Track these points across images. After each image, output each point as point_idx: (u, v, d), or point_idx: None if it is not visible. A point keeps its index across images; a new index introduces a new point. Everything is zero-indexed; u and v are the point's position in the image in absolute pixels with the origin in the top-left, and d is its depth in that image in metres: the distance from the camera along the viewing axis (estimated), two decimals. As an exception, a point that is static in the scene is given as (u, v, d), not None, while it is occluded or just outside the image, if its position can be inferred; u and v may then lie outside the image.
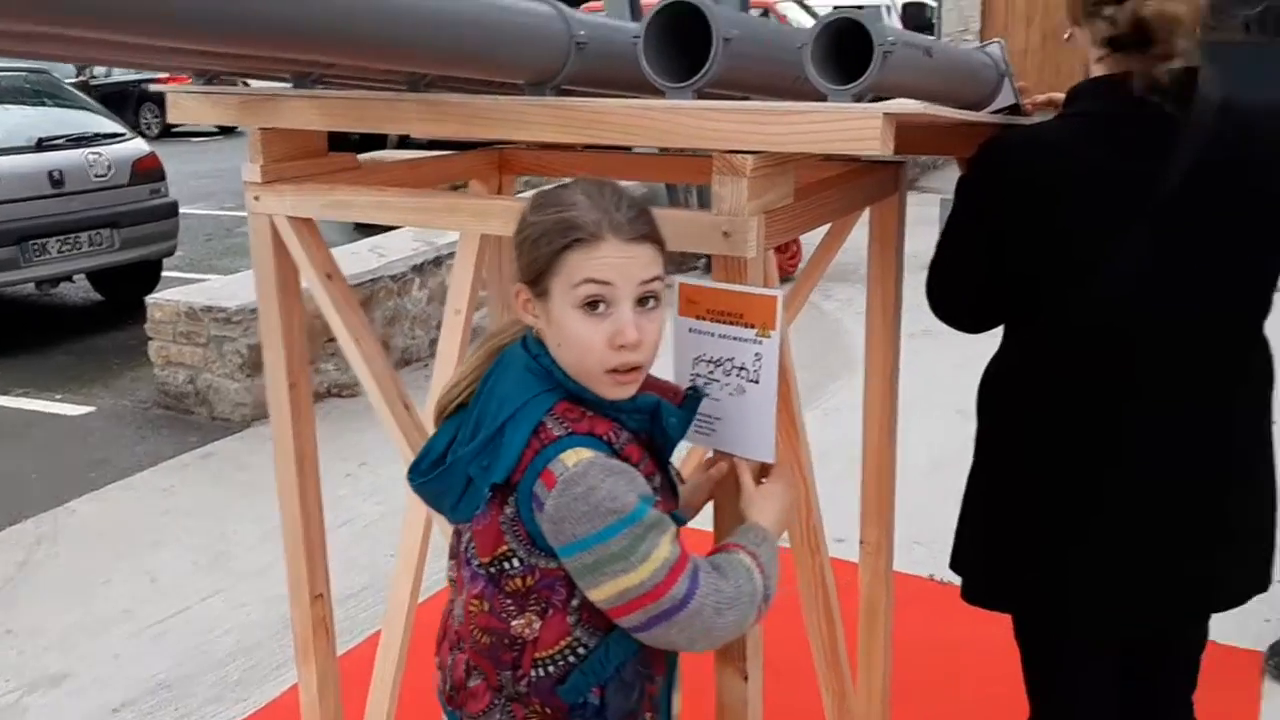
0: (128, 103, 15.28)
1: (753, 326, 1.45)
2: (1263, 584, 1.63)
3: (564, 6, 1.58)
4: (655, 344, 1.25)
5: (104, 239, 6.34)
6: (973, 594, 1.70)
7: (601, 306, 1.21)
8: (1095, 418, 1.52)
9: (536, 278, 1.23)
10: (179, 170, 8.21)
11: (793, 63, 1.44)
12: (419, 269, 5.42)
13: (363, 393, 5.00)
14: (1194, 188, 1.42)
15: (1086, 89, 1.51)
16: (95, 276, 6.84)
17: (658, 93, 1.46)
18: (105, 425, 4.94)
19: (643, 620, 1.18)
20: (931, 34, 15.64)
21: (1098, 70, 1.50)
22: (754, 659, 1.48)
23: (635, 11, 7.08)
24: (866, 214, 1.93)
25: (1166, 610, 1.60)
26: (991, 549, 1.66)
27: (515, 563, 1.24)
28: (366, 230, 6.54)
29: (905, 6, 21.92)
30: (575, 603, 1.24)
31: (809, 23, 15.84)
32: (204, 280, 5.72)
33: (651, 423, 1.29)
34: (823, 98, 1.41)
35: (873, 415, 2.02)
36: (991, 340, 1.72)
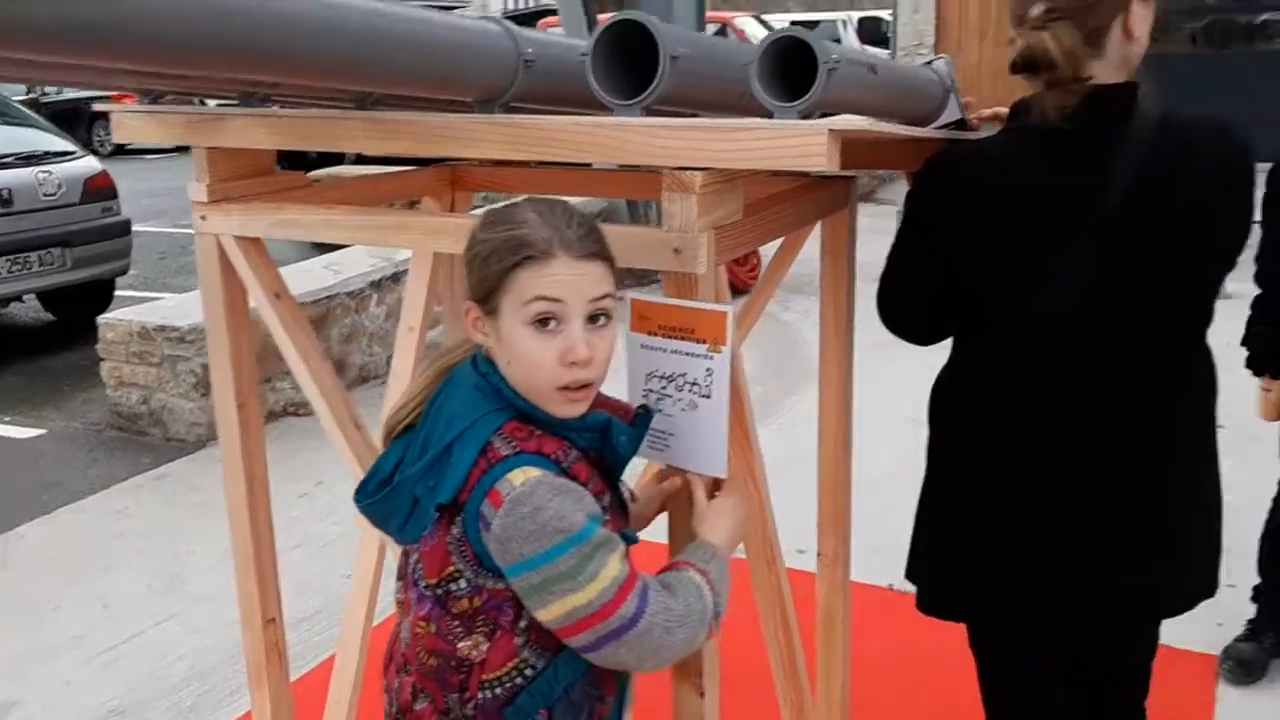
0: (80, 120, 15.07)
1: (704, 342, 1.45)
2: (1209, 590, 1.66)
3: (512, 25, 1.58)
4: (606, 361, 1.25)
5: (55, 258, 6.23)
6: (927, 604, 1.71)
7: (552, 324, 1.21)
8: (1038, 431, 1.54)
9: (487, 295, 1.23)
10: (132, 188, 8.11)
11: (741, 80, 1.45)
12: (376, 285, 5.38)
13: (313, 414, 4.97)
14: (1134, 203, 1.44)
15: (1027, 104, 1.53)
16: (46, 296, 6.73)
17: (608, 110, 1.46)
18: (57, 447, 4.85)
19: (591, 640, 1.17)
20: (887, 47, 15.85)
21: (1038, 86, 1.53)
22: (710, 675, 1.48)
23: (592, 28, 7.16)
24: (819, 227, 1.95)
25: (1111, 620, 1.62)
26: (943, 559, 1.68)
27: (462, 584, 1.23)
28: (324, 247, 6.49)
29: (861, 21, 22.20)
30: (523, 624, 1.23)
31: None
32: (158, 299, 5.64)
33: (602, 441, 1.28)
34: (770, 114, 1.42)
35: (828, 427, 2.03)
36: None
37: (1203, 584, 1.65)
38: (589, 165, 2.10)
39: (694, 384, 1.47)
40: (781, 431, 4.35)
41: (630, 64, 1.46)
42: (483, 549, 1.19)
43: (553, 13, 11.77)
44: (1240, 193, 1.52)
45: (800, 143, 1.35)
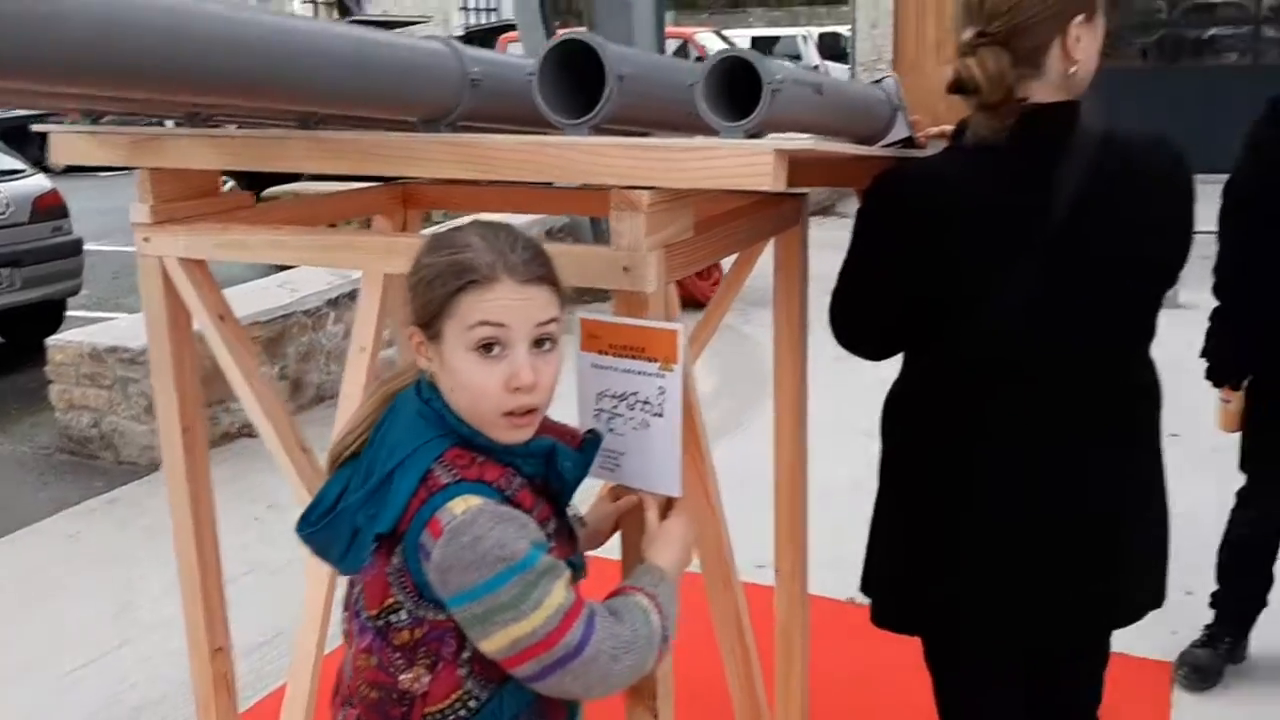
0: (31, 137, 14.83)
1: (655, 360, 1.44)
2: (1157, 601, 1.68)
3: (459, 44, 1.57)
4: (551, 386, 1.24)
5: (3, 279, 6.11)
6: (881, 618, 1.71)
7: (496, 349, 1.19)
8: (985, 446, 1.55)
9: (430, 320, 1.21)
10: (84, 206, 7.97)
11: (689, 99, 1.45)
12: (334, 303, 5.33)
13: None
14: (1077, 220, 1.46)
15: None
16: (-6, 317, 6.60)
17: (557, 129, 1.46)
18: (5, 472, 4.75)
19: (536, 670, 1.16)
20: (846, 62, 16.00)
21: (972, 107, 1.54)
22: (664, 696, 1.47)
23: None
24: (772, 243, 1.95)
25: (1060, 633, 1.63)
26: (895, 573, 1.68)
27: (403, 615, 1.21)
28: (280, 264, 6.42)
29: (821, 36, 22.43)
30: (466, 654, 1.21)
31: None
32: (111, 319, 5.55)
33: (547, 467, 1.27)
34: (718, 133, 1.42)
35: (783, 443, 2.03)
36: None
37: (1150, 595, 1.66)
38: (547, 183, 2.11)
39: (646, 403, 1.46)
40: (744, 445, 4.35)
41: (579, 83, 1.46)
42: (423, 580, 1.18)
43: (514, 28, 11.78)
44: (1181, 209, 1.54)
45: (746, 162, 1.35)
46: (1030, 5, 1.44)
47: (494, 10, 28.59)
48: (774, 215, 1.87)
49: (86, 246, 6.84)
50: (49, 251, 6.36)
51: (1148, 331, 1.58)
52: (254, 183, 7.16)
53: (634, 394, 1.46)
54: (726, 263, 2.06)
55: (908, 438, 1.66)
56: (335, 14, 25.38)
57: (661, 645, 1.26)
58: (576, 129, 1.45)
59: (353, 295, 5.42)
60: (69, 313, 6.79)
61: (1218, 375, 2.65)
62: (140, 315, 5.65)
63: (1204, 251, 2.93)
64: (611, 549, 1.52)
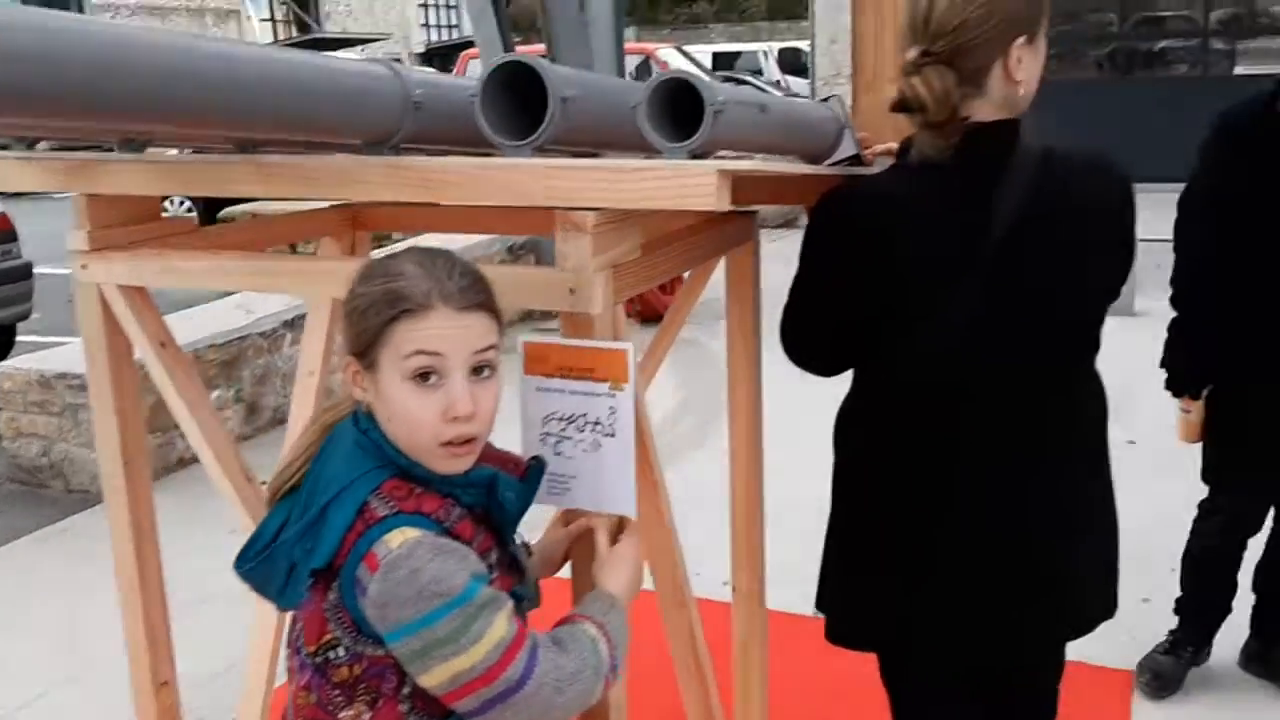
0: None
1: (605, 380, 1.43)
2: (1108, 613, 1.68)
3: (401, 66, 1.55)
4: (491, 415, 1.22)
5: (-49, 304, 6.00)
6: (834, 634, 1.71)
7: (433, 378, 1.17)
8: (930, 463, 1.56)
9: (365, 349, 1.19)
10: (36, 230, 7.82)
11: (634, 120, 1.44)
12: (290, 325, 5.26)
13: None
14: (1019, 237, 1.47)
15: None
16: (-58, 344, 6.47)
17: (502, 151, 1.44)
18: (-47, 503, 4.64)
19: (477, 704, 1.13)
20: (806, 77, 16.13)
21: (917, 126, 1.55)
22: (618, 722, 1.45)
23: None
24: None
25: (1010, 648, 1.64)
26: (846, 590, 1.68)
27: (340, 651, 1.18)
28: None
29: (781, 51, 22.62)
30: (407, 690, 1.19)
31: (690, 70, 16.25)
32: (62, 344, 5.44)
33: (488, 497, 1.25)
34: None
35: (739, 461, 2.03)
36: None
37: (1101, 608, 1.67)
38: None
39: (596, 423, 1.45)
40: (710, 460, 4.34)
41: (523, 104, 1.45)
42: (360, 615, 1.15)
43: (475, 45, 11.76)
44: (1122, 224, 1.56)
45: (689, 182, 1.34)
46: (973, 26, 1.45)
47: (455, 27, 28.60)
48: (724, 233, 1.86)
49: (37, 270, 6.72)
50: (-3, 276, 6.26)
51: (1092, 346, 1.59)
52: (212, 203, 7.08)
53: (584, 415, 1.45)
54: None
55: (857, 454, 1.66)
56: (295, 31, 25.30)
57: (610, 675, 1.24)
58: (519, 150, 1.44)
59: (310, 316, 5.36)
60: (19, 338, 6.66)
61: (1177, 385, 2.65)
62: (90, 341, 5.45)
63: (1160, 260, 2.97)
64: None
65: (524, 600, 1.30)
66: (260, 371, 5.13)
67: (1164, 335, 2.66)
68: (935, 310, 1.48)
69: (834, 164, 1.85)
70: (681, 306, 2.20)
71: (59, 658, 3.33)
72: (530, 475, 1.33)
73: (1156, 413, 3.14)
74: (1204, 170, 2.54)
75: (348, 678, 1.19)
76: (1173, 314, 2.64)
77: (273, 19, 26.06)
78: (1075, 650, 1.81)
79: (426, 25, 30.16)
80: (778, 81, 20.48)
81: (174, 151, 1.91)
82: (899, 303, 1.51)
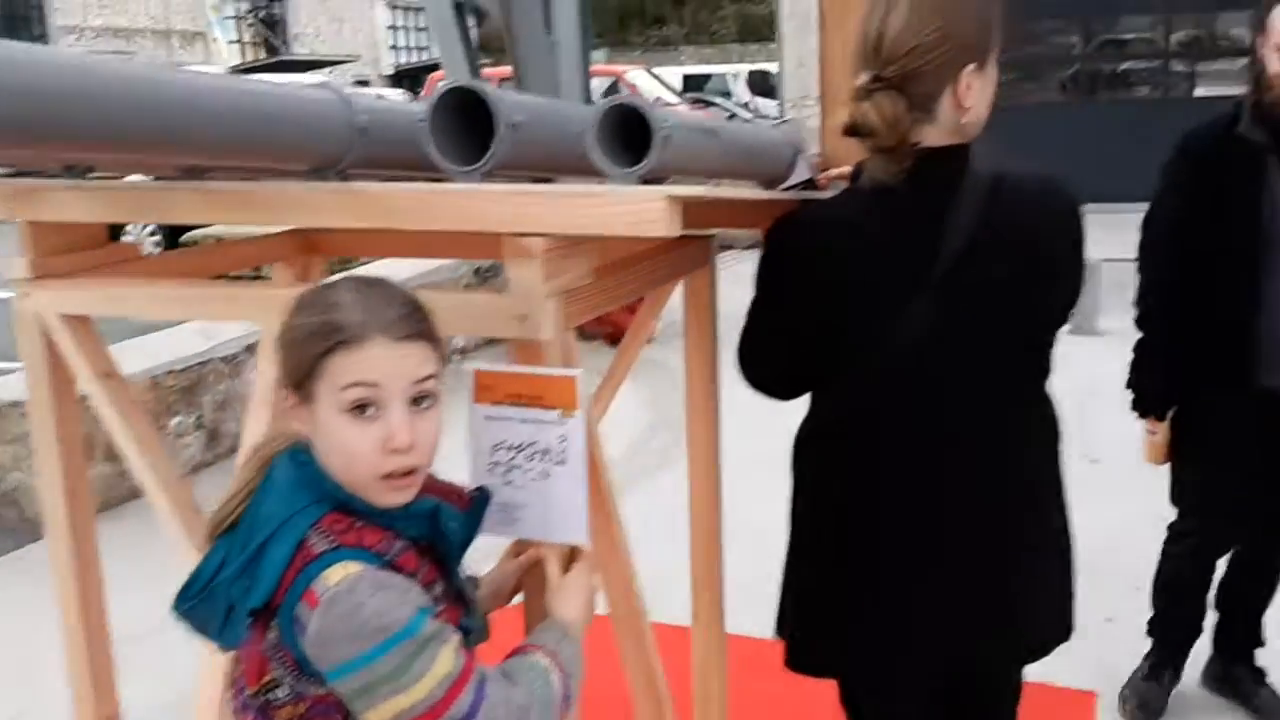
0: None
1: (555, 408, 1.42)
2: (1065, 634, 1.68)
3: (348, 90, 1.54)
4: (433, 445, 1.20)
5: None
6: (793, 661, 1.70)
7: (371, 409, 1.15)
8: (882, 490, 1.55)
9: (301, 381, 1.17)
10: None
11: (585, 146, 1.43)
12: (252, 349, 5.20)
13: (194, 483, 4.73)
14: (968, 261, 1.47)
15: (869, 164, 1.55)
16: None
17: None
18: (-96, 535, 4.53)
19: None
20: (775, 99, 16.25)
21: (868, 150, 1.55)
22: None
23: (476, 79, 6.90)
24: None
25: (965, 670, 1.64)
26: (804, 615, 1.67)
27: (282, 691, 1.16)
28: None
29: (750, 74, 22.80)
30: None
31: (660, 92, 16.35)
32: (13, 371, 5.35)
33: (431, 528, 1.22)
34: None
35: (698, 486, 2.01)
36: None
37: (1056, 631, 1.67)
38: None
39: (546, 451, 1.43)
40: (680, 482, 4.32)
41: (473, 129, 1.43)
42: (302, 653, 1.12)
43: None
44: (1071, 249, 1.57)
45: (638, 208, 1.33)
46: (924, 52, 1.45)
47: (424, 49, 28.62)
48: (681, 257, 1.85)
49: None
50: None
51: (1043, 370, 1.60)
52: (176, 228, 7.01)
53: (533, 444, 1.43)
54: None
55: (811, 479, 1.65)
56: (262, 53, 25.23)
57: (563, 705, 1.22)
58: (468, 176, 1.43)
59: (274, 340, 5.30)
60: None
61: (1142, 406, 2.65)
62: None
63: (1124, 279, 2.99)
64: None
65: (471, 633, 1.28)
66: (221, 397, 5.07)
67: (1128, 355, 2.67)
68: (884, 334, 1.48)
69: (788, 188, 1.85)
70: (639, 330, 2.19)
71: (8, 690, 3.26)
72: (474, 506, 1.31)
73: (1120, 431, 3.15)
74: (1167, 192, 2.55)
75: (291, 717, 1.16)
76: (1137, 334, 2.65)
77: (240, 41, 25.99)
78: (1038, 671, 1.81)
79: (395, 47, 30.18)
80: (747, 103, 20.64)
81: (138, 176, 1.88)
82: (850, 326, 1.51)
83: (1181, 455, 2.66)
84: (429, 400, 1.19)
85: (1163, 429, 2.65)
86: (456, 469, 1.41)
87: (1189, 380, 2.58)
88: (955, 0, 1.48)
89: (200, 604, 1.21)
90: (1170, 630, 2.86)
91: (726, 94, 20.97)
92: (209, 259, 2.00)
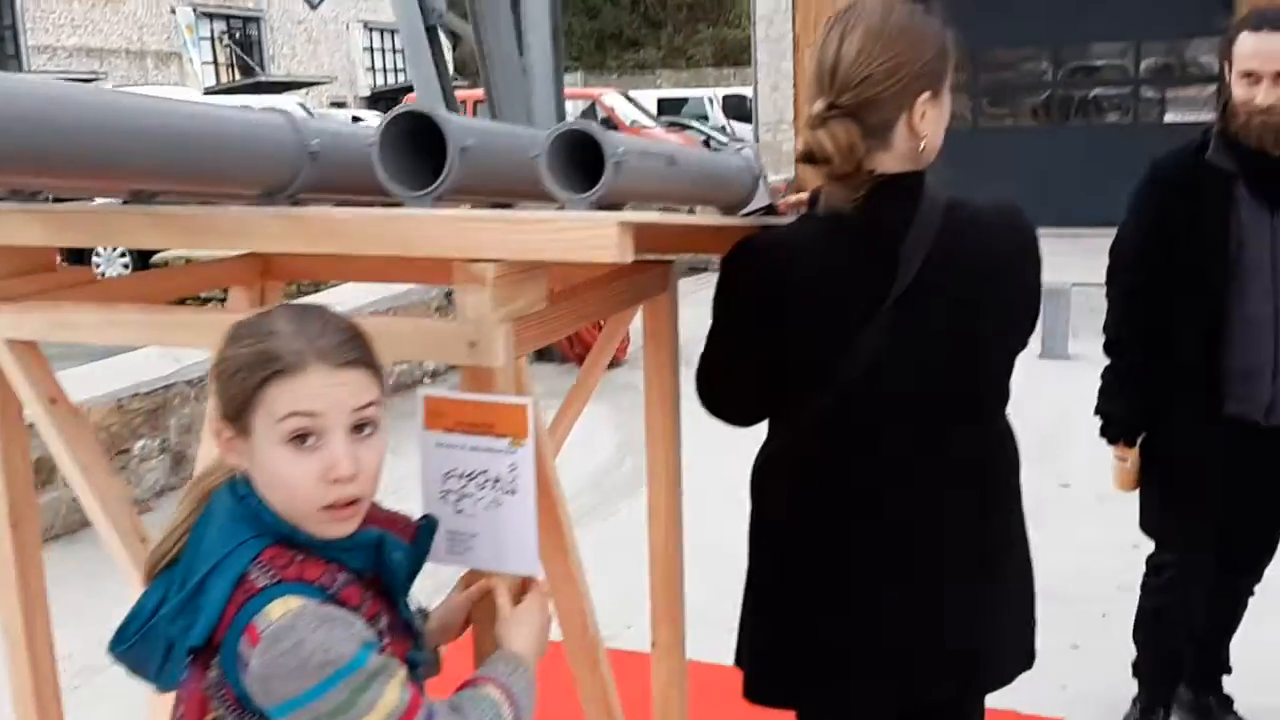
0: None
1: (506, 436, 1.40)
2: (1027, 662, 1.67)
3: (298, 114, 1.52)
4: (375, 474, 1.18)
5: None
6: (751, 691, 1.68)
7: (311, 439, 1.13)
8: (839, 518, 1.54)
9: (237, 414, 1.14)
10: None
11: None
12: (221, 372, 5.15)
13: (151, 510, 4.66)
14: (922, 287, 1.47)
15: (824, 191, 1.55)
16: None
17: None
18: None
19: None
20: (749, 122, 16.37)
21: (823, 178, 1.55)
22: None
23: (450, 104, 7.00)
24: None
25: (923, 705, 1.62)
26: (762, 644, 1.66)
27: None
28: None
29: (726, 98, 22.94)
30: None
31: (636, 115, 16.41)
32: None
33: (376, 560, 1.20)
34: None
35: (657, 517, 1.99)
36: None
37: (1017, 657, 1.66)
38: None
39: (497, 480, 1.41)
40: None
41: (427, 153, 1.42)
42: (244, 692, 1.10)
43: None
44: (1026, 274, 1.57)
45: (590, 234, 1.32)
46: (879, 81, 1.45)
47: (401, 71, 28.64)
48: (640, 282, 1.84)
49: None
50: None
51: (1000, 397, 1.59)
52: (144, 252, 6.97)
53: (483, 472, 1.41)
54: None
55: (770, 507, 1.64)
56: (237, 75, 25.17)
57: None
58: (419, 201, 1.41)
59: (242, 363, 5.25)
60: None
61: (1111, 433, 2.63)
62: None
63: (1095, 303, 2.99)
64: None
65: (419, 666, 1.26)
66: (187, 421, 5.01)
67: (1098, 379, 2.66)
68: (839, 360, 1.47)
69: (748, 214, 1.84)
70: (600, 355, 2.17)
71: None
72: (420, 535, 1.29)
73: (1090, 456, 3.15)
74: (1135, 218, 2.55)
75: None
76: (1107, 360, 2.64)
77: (215, 62, 25.93)
78: (1003, 699, 1.79)
79: (372, 69, 30.19)
80: (723, 127, 20.77)
81: (106, 200, 1.85)
82: (805, 352, 1.50)
83: (1149, 482, 2.64)
84: (370, 428, 1.16)
85: (1132, 455, 2.62)
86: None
87: (1157, 407, 2.56)
88: (910, 29, 1.48)
89: (138, 644, 1.17)
90: (1160, 668, 2.79)
91: (703, 117, 21.10)
92: (166, 283, 1.98)
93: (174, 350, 5.22)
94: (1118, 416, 2.62)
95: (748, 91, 16.70)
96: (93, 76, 20.32)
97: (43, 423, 1.65)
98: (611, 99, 16.76)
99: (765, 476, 1.67)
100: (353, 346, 1.16)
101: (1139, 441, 2.62)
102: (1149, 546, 2.74)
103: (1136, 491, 2.68)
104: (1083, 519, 4.03)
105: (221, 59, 26.03)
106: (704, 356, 1.65)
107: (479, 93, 7.28)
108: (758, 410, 1.65)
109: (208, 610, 1.11)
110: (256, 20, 26.78)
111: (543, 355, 7.01)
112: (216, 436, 1.18)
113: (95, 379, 4.75)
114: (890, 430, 1.51)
